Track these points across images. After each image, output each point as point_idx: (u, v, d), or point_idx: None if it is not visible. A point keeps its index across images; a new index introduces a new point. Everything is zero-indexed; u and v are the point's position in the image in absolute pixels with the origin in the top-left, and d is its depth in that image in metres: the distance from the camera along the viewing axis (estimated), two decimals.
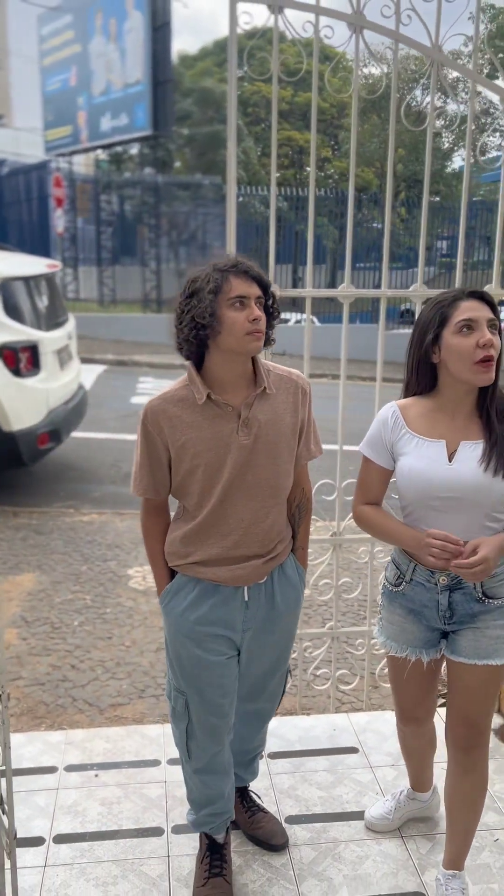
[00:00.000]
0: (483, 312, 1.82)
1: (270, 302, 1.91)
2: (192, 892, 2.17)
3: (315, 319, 15.61)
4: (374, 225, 16.79)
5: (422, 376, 1.95)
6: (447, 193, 17.00)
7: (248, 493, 1.95)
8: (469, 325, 1.81)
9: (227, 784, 2.21)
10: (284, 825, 2.40)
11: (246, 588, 2.01)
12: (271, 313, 1.91)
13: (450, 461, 1.86)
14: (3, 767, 1.84)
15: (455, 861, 2.16)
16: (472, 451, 1.85)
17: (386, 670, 2.65)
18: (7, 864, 1.87)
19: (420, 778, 2.39)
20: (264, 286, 1.89)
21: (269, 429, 1.93)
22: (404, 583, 2.00)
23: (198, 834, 2.29)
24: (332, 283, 18.65)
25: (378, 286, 2.97)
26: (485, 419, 1.88)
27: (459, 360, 1.82)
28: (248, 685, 2.18)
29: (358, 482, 2.05)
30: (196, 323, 1.81)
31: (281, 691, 2.27)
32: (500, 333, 1.85)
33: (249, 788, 2.44)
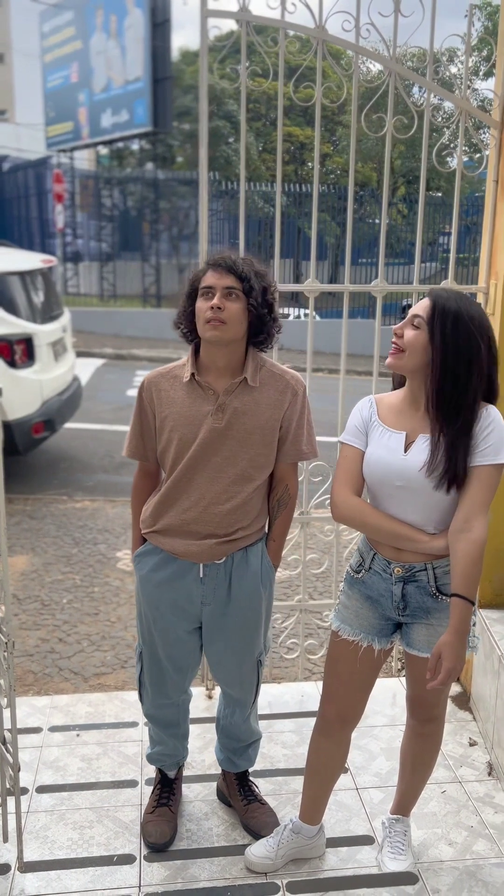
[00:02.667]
0: (415, 309, 1.91)
1: (256, 294, 1.98)
2: (142, 818, 2.44)
3: (316, 315, 15.78)
4: (375, 221, 16.93)
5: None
6: (448, 189, 17.14)
7: (213, 475, 2.08)
8: (403, 318, 1.95)
9: (175, 735, 2.44)
10: (252, 779, 2.58)
11: (201, 565, 2.15)
12: (256, 306, 2.00)
13: (405, 452, 1.96)
14: (8, 708, 2.06)
15: (401, 808, 2.37)
16: (426, 444, 1.93)
17: None
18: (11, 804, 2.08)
19: (315, 804, 2.30)
20: (240, 277, 1.98)
21: (244, 418, 2.06)
22: (364, 570, 2.08)
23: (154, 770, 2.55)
24: (334, 278, 18.80)
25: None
26: (430, 421, 1.93)
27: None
28: (219, 669, 2.31)
29: (339, 473, 2.06)
30: (180, 312, 2.04)
31: (255, 680, 2.35)
32: (433, 334, 1.86)
33: (250, 777, 2.53)
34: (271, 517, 2.25)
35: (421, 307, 1.91)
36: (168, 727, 2.42)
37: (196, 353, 2.11)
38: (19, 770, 2.15)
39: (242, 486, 2.11)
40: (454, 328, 1.85)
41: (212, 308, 1.97)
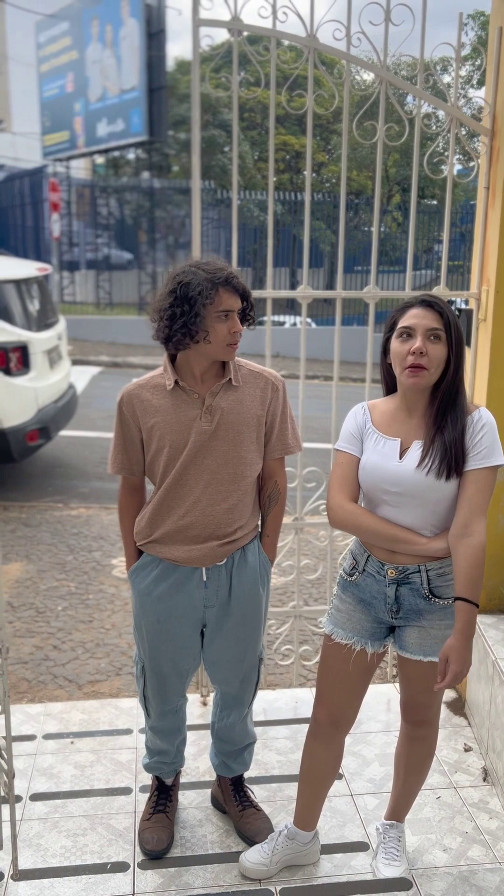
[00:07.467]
0: (425, 321, 1.90)
1: (249, 311, 2.11)
2: (139, 825, 2.44)
3: (311, 322, 15.84)
4: (371, 229, 17.00)
5: (388, 377, 2.09)
6: (443, 197, 17.21)
7: (207, 476, 2.11)
8: (409, 332, 1.91)
9: (175, 742, 2.44)
10: (247, 786, 2.58)
11: (204, 569, 2.17)
12: (247, 320, 2.12)
13: (401, 458, 1.98)
14: (2, 715, 2.06)
15: (395, 814, 2.36)
16: (420, 450, 1.95)
17: None
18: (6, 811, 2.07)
19: (309, 810, 2.30)
20: (246, 297, 2.08)
21: (231, 417, 2.11)
22: (357, 573, 2.09)
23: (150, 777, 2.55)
24: (330, 286, 18.85)
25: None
26: (431, 421, 1.97)
27: (396, 364, 1.96)
28: (220, 668, 2.31)
29: (335, 480, 2.07)
30: (189, 329, 1.99)
31: (255, 678, 2.38)
32: (451, 342, 1.91)
33: (245, 783, 2.53)
34: (263, 513, 2.29)
35: (433, 319, 1.91)
36: (172, 735, 2.42)
37: (171, 360, 2.14)
38: (14, 777, 2.14)
39: (237, 485, 2.15)
40: (457, 331, 1.91)
41: (234, 332, 2.05)
